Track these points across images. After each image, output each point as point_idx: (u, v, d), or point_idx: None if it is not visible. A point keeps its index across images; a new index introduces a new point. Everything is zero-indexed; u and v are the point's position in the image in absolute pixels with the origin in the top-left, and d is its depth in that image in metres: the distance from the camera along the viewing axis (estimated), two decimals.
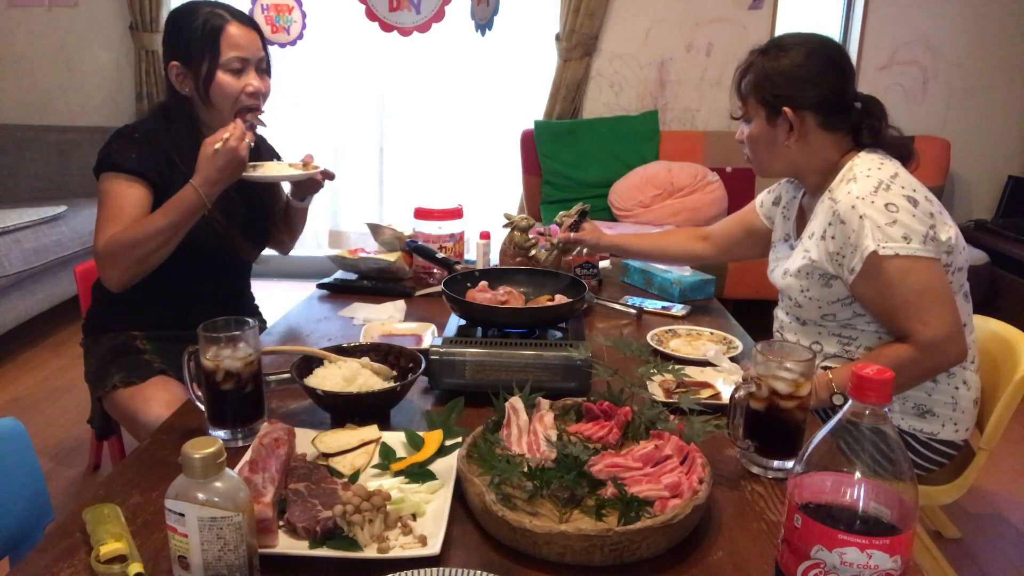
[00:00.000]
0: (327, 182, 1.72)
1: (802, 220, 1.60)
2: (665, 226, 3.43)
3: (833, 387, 1.36)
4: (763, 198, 1.77)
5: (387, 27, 3.81)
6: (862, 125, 1.46)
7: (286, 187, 1.84)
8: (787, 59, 1.43)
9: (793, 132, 1.44)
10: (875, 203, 1.34)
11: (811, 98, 1.42)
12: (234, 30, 1.57)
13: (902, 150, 1.48)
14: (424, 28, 3.82)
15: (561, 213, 1.96)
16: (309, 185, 1.76)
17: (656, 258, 1.95)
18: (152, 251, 1.48)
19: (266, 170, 1.65)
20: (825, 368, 1.43)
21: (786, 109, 1.42)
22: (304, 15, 3.88)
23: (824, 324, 1.51)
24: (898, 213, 1.33)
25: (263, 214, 1.79)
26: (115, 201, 1.52)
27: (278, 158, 1.92)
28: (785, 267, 1.54)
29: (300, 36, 3.91)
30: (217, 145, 1.45)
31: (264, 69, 1.64)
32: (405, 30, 3.82)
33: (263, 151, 1.85)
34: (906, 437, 1.50)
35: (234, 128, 1.49)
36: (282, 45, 3.86)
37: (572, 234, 1.86)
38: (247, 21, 1.61)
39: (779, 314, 1.64)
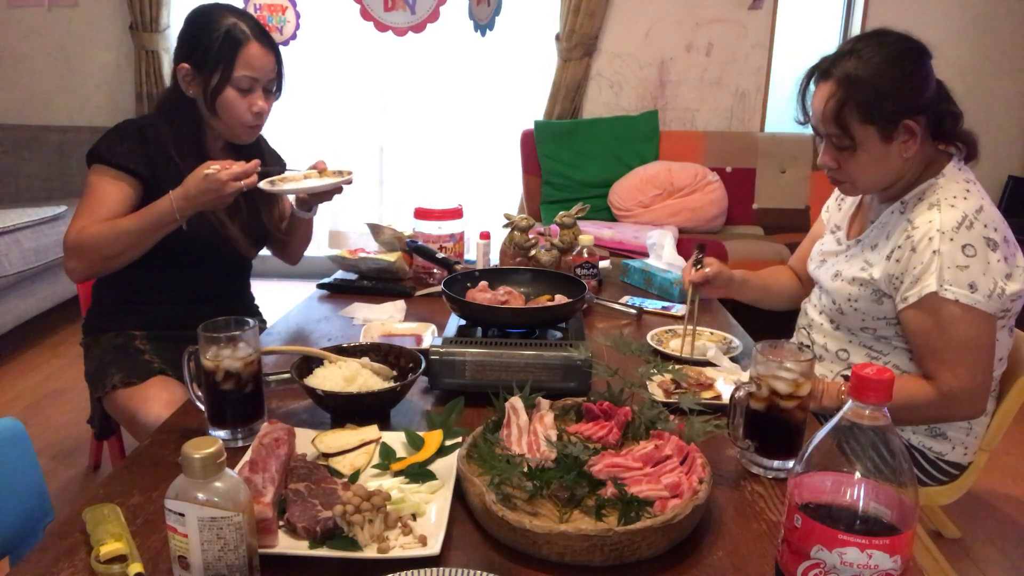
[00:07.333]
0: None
1: (859, 216, 1.54)
2: (666, 226, 3.43)
3: (843, 399, 1.33)
4: (828, 203, 1.67)
5: (382, 27, 3.82)
6: (941, 110, 1.37)
7: (291, 196, 1.78)
8: (891, 69, 1.32)
9: (912, 141, 1.34)
10: (954, 241, 1.28)
11: (924, 101, 1.33)
12: (254, 50, 1.55)
13: (971, 144, 1.39)
14: (419, 28, 3.82)
15: (561, 213, 1.97)
16: (326, 194, 1.66)
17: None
18: (118, 252, 1.48)
19: (289, 183, 1.58)
20: (846, 378, 1.40)
21: (908, 122, 1.32)
22: (298, 15, 3.88)
23: (858, 335, 1.47)
24: (974, 258, 1.27)
25: (263, 214, 1.78)
26: (96, 194, 1.53)
27: (282, 163, 1.90)
28: (838, 269, 1.48)
29: (293, 36, 3.91)
30: (211, 170, 1.42)
31: (271, 90, 1.63)
32: (400, 30, 3.83)
33: (267, 156, 1.83)
34: (913, 452, 1.49)
35: (242, 168, 1.44)
36: None
37: (702, 272, 1.53)
38: (268, 42, 1.59)
39: (809, 310, 1.59)
